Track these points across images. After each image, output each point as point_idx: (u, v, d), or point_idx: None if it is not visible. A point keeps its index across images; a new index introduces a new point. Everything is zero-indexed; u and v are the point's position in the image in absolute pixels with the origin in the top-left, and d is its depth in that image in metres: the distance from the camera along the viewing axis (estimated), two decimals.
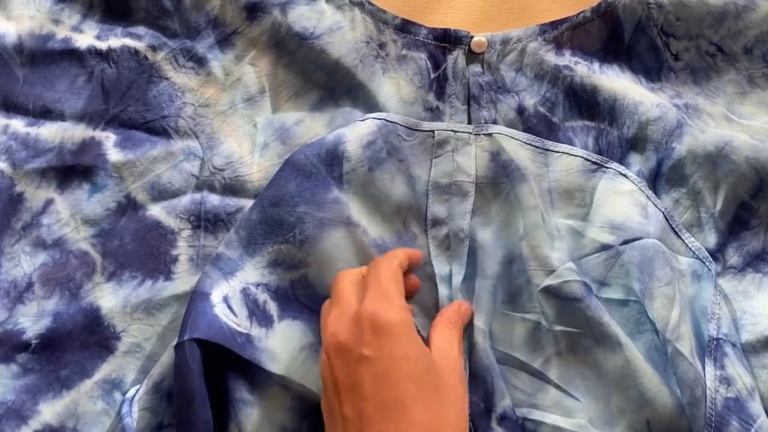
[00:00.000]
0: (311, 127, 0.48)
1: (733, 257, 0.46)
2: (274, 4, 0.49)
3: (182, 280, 0.46)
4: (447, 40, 0.50)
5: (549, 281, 0.44)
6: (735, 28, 0.49)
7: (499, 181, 0.46)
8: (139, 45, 0.49)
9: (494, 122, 0.48)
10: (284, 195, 0.44)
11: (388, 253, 0.43)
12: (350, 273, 0.41)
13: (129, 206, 0.46)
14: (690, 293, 0.45)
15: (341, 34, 0.49)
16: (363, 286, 0.40)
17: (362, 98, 0.48)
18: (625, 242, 0.44)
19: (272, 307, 0.43)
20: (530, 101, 0.49)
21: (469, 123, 0.48)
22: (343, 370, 0.37)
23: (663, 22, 0.49)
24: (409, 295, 0.44)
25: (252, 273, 0.44)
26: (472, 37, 0.49)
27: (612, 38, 0.50)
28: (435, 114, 0.48)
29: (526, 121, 0.48)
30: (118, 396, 0.43)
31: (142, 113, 0.48)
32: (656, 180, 0.47)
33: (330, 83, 0.49)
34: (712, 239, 0.47)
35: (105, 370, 0.44)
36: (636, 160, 0.47)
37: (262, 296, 0.43)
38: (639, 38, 0.50)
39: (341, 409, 0.36)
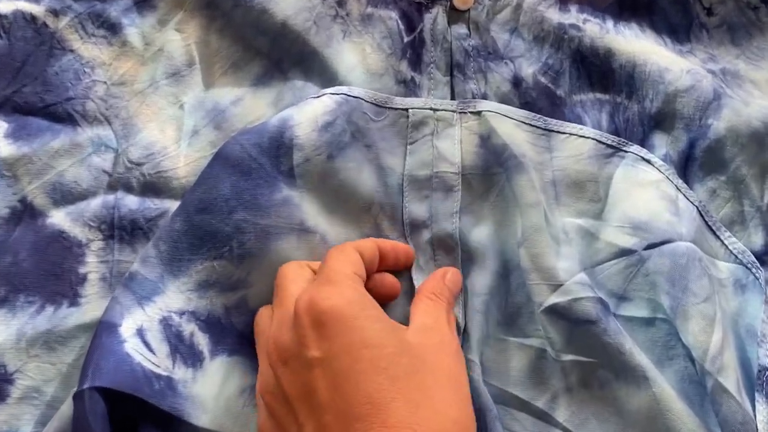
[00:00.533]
0: (253, 107, 0.41)
1: None
2: None
3: (92, 306, 0.37)
4: None
5: (555, 299, 0.36)
6: None
7: (491, 171, 0.38)
8: (36, 9, 0.41)
9: (484, 97, 0.40)
10: (216, 198, 0.36)
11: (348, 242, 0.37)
12: (296, 265, 0.35)
13: (25, 213, 0.38)
14: (732, 309, 0.37)
15: None
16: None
17: (317, 70, 0.41)
18: (651, 246, 0.37)
19: (201, 341, 0.35)
20: (528, 70, 0.41)
21: (453, 99, 0.40)
22: (292, 380, 0.31)
23: None
24: (386, 299, 0.37)
25: (175, 297, 0.35)
26: None
27: None
28: (410, 88, 0.41)
29: (524, 95, 0.41)
30: None
31: (41, 95, 0.40)
32: (688, 165, 0.40)
33: (275, 52, 0.41)
34: (758, 239, 0.40)
35: None
36: (662, 142, 0.40)
37: (188, 327, 0.35)
38: None
39: (300, 429, 0.30)
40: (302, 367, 0.31)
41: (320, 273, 0.33)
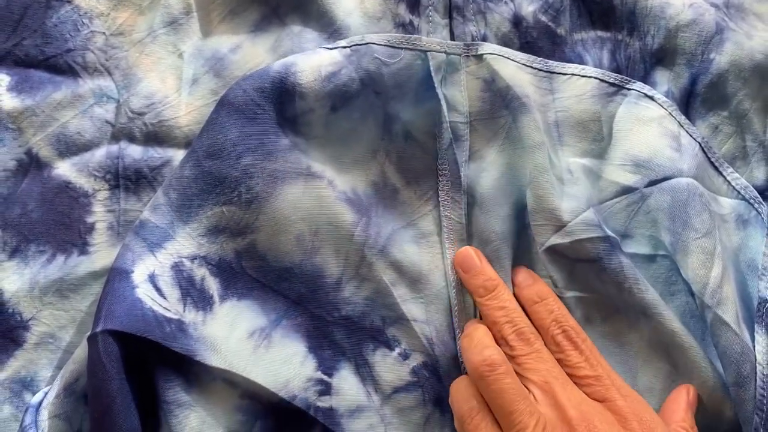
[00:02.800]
0: (251, 53, 0.39)
1: None
2: None
3: (101, 254, 0.38)
4: None
5: (556, 239, 0.36)
6: None
7: (497, 115, 0.38)
8: None
9: (484, 38, 0.39)
10: (224, 143, 0.35)
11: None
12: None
13: (31, 165, 0.38)
14: (734, 244, 0.37)
15: None
16: None
17: (314, 14, 0.40)
18: (652, 183, 0.37)
19: (212, 285, 0.35)
20: (528, 9, 0.40)
21: (453, 41, 0.39)
22: None
23: None
24: None
25: (186, 243, 0.35)
26: None
27: None
28: (408, 31, 0.40)
29: (524, 35, 0.39)
30: (29, 397, 0.36)
31: (41, 47, 0.39)
32: (690, 101, 0.39)
33: None
34: (761, 174, 0.39)
35: (12, 366, 0.37)
36: (664, 78, 0.39)
37: (199, 272, 0.35)
38: None
39: None
40: None
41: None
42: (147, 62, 0.39)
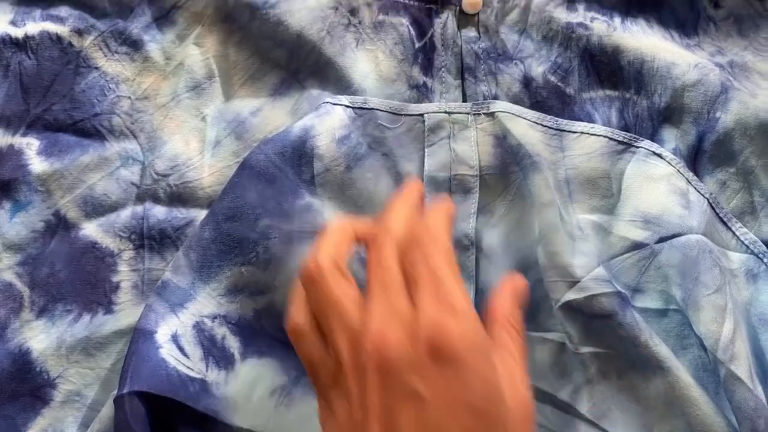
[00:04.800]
0: (272, 116, 0.41)
1: None
2: None
3: (126, 312, 0.39)
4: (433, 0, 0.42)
5: (571, 295, 0.36)
6: None
7: (508, 171, 0.39)
8: (61, 29, 0.41)
9: (495, 98, 0.41)
10: (243, 206, 0.37)
11: (437, 209, 0.31)
12: (397, 225, 0.30)
13: (59, 226, 0.39)
14: (744, 298, 0.38)
15: None
16: (413, 262, 0.29)
17: (332, 78, 0.41)
18: (662, 239, 0.37)
19: (233, 344, 0.36)
20: (538, 69, 0.41)
21: (465, 101, 0.41)
22: (381, 397, 0.27)
23: None
24: None
25: (207, 303, 0.36)
26: None
27: None
28: (422, 92, 0.41)
29: (535, 95, 0.41)
30: None
31: (70, 112, 0.41)
32: (697, 158, 0.40)
33: (292, 62, 0.42)
34: None
35: (40, 424, 0.38)
36: (671, 136, 0.40)
37: (220, 330, 0.36)
38: None
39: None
40: (401, 392, 0.26)
41: (429, 276, 0.28)
42: (171, 125, 0.41)
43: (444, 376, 0.26)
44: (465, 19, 0.42)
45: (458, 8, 0.41)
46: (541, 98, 0.40)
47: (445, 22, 0.42)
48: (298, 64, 0.41)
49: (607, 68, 0.41)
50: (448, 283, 0.28)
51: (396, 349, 0.27)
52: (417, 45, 0.42)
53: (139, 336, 0.35)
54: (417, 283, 0.28)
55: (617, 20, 0.41)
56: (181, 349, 0.35)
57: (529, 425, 0.28)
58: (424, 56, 0.41)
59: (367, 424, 0.27)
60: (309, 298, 0.30)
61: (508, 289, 0.32)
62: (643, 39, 0.41)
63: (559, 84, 0.41)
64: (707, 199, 0.38)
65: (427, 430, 0.26)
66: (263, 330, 0.37)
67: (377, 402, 0.27)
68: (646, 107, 0.40)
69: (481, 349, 0.27)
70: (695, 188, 0.38)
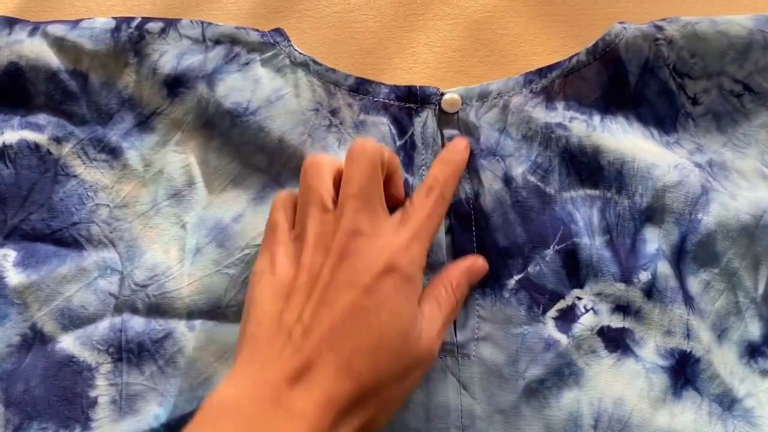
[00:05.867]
0: (253, 222, 0.40)
1: None
2: (198, 76, 0.41)
3: (103, 429, 0.37)
4: (412, 99, 0.42)
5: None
6: (764, 61, 0.42)
7: None
8: (40, 137, 0.41)
9: (477, 195, 0.41)
10: None
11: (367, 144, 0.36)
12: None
13: (35, 339, 0.39)
14: None
15: (283, 104, 0.41)
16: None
17: None
18: None
19: None
20: (518, 169, 0.41)
21: None
22: (331, 273, 0.33)
23: (675, 61, 0.42)
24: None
25: None
26: (442, 93, 0.42)
27: (614, 84, 0.42)
28: (404, 190, 0.40)
29: (515, 194, 0.41)
30: None
31: (48, 221, 0.40)
32: (681, 258, 0.39)
33: (274, 167, 0.41)
34: (755, 329, 0.39)
35: None
36: (654, 236, 0.40)
37: None
38: (647, 81, 0.42)
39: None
40: (347, 275, 0.32)
41: (408, 219, 0.35)
42: (151, 234, 0.40)
43: (386, 285, 0.32)
44: (445, 117, 0.42)
45: (438, 107, 0.42)
46: (522, 198, 0.40)
47: (425, 120, 0.42)
48: (280, 168, 0.41)
49: (587, 168, 0.41)
50: (420, 217, 0.35)
51: (360, 249, 0.33)
52: (398, 143, 0.42)
53: None
54: (399, 207, 0.36)
55: (596, 119, 0.41)
56: None
57: (424, 370, 0.34)
58: (405, 154, 0.41)
59: (309, 285, 0.32)
60: (301, 182, 0.36)
61: (465, 263, 0.38)
62: (623, 139, 0.41)
63: (539, 184, 0.41)
64: None
65: (352, 315, 0.31)
66: None
67: (327, 276, 0.32)
68: (628, 207, 0.40)
69: (418, 280, 0.34)
70: None
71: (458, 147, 0.40)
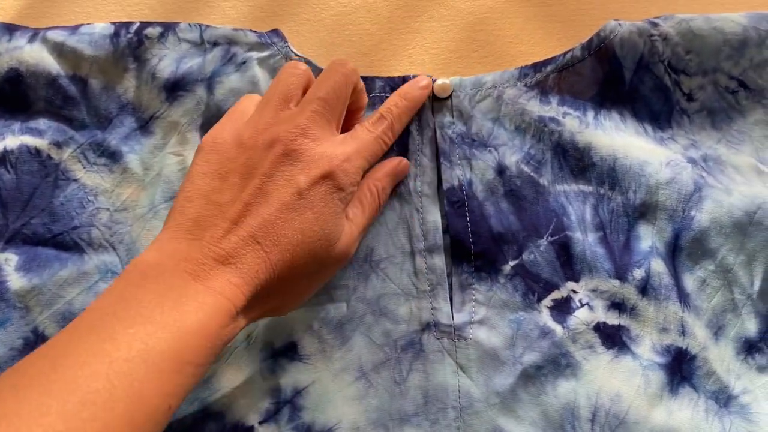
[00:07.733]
0: None
1: None
2: (197, 80, 0.42)
3: None
4: None
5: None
6: (759, 57, 0.41)
7: None
8: (40, 142, 0.41)
9: (470, 183, 0.41)
10: None
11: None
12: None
13: (37, 343, 0.39)
14: None
15: None
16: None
17: None
18: None
19: None
20: (512, 158, 0.41)
21: (440, 184, 0.41)
22: (270, 166, 0.34)
23: (670, 57, 0.42)
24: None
25: None
26: (435, 80, 0.42)
27: (609, 80, 0.42)
28: None
29: (508, 183, 0.41)
30: None
31: (49, 225, 0.41)
32: (675, 255, 0.40)
33: None
34: (752, 326, 0.39)
35: None
36: (647, 232, 0.40)
37: None
38: (642, 77, 0.42)
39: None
40: (284, 173, 0.34)
41: (354, 138, 0.37)
42: (149, 236, 0.40)
43: (318, 190, 0.34)
44: (439, 103, 0.42)
45: (431, 94, 0.42)
46: (515, 187, 0.41)
47: None
48: None
49: (579, 164, 0.41)
50: (369, 142, 0.38)
51: (304, 149, 0.34)
52: None
53: None
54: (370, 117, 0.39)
55: (590, 115, 0.41)
56: None
57: (337, 268, 0.37)
58: (400, 140, 0.41)
59: (248, 168, 0.34)
60: (276, 76, 0.38)
61: (389, 165, 0.40)
62: (615, 136, 0.41)
63: (532, 174, 0.41)
64: None
65: (281, 212, 0.33)
66: None
67: (268, 166, 0.34)
68: (621, 203, 0.40)
69: (349, 192, 0.36)
70: None
71: (419, 84, 0.41)
